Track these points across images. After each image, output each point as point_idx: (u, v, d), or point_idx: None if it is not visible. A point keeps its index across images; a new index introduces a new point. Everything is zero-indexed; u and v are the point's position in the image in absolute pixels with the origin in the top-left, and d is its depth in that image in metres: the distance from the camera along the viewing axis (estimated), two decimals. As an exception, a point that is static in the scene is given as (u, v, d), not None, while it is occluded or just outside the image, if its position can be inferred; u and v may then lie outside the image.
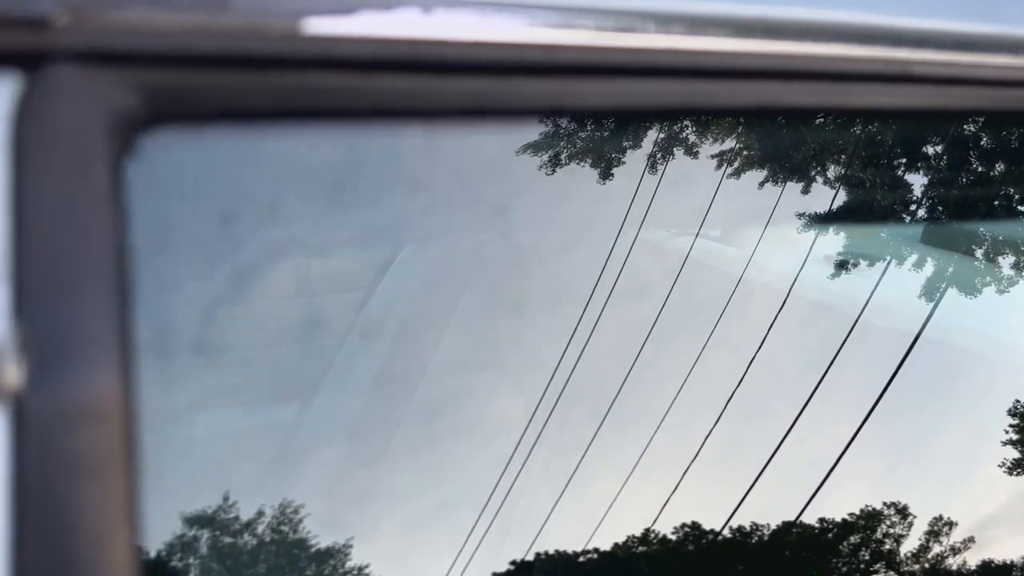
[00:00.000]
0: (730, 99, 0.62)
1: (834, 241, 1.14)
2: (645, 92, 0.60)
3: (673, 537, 0.98)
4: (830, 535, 1.04)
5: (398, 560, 1.05)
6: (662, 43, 0.58)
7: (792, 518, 1.02)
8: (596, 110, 0.61)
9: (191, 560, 1.07)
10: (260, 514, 1.09)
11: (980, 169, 1.13)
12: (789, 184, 1.07)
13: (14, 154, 0.42)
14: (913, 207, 1.17)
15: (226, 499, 1.10)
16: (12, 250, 0.41)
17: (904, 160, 1.12)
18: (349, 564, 1.04)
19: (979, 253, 1.22)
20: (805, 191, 1.09)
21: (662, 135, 0.97)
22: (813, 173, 1.07)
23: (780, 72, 0.63)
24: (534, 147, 0.91)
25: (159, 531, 1.06)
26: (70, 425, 0.41)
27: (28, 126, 0.43)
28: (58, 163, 0.42)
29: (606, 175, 0.99)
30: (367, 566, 1.02)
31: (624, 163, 0.99)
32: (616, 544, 0.98)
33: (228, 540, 1.08)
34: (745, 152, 1.03)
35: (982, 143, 1.12)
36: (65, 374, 0.41)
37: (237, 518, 1.09)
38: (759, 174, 1.05)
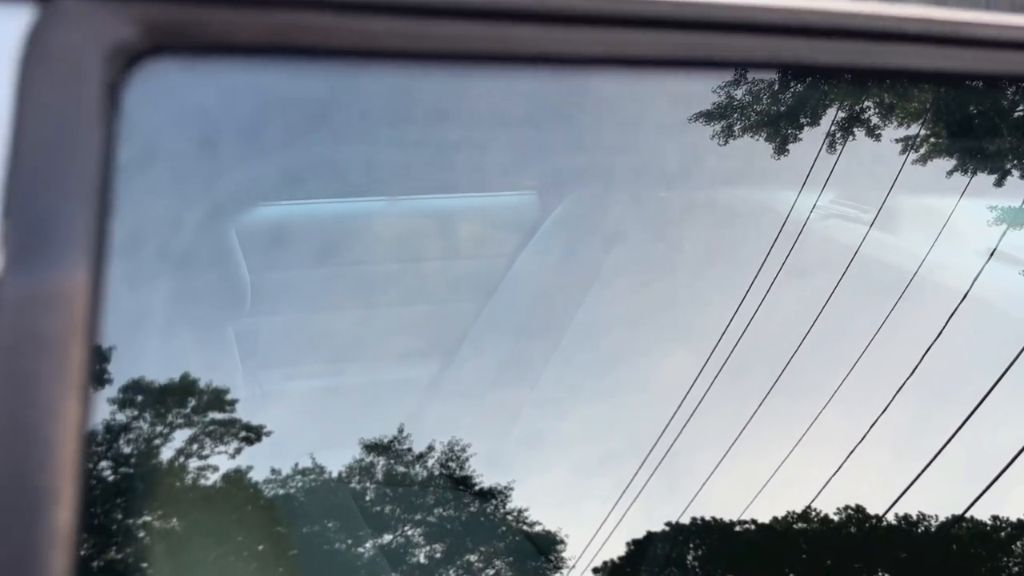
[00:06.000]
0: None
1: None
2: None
3: (835, 517, 0.97)
4: (1003, 534, 1.00)
5: (556, 505, 1.10)
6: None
7: (963, 512, 0.98)
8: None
9: (367, 485, 1.16)
10: (431, 448, 1.16)
11: None
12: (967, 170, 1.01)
13: (22, 74, 0.48)
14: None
15: (401, 431, 1.19)
16: (10, 157, 0.47)
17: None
18: (510, 505, 1.10)
19: None
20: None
21: (841, 111, 0.94)
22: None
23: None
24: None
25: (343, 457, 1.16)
26: (37, 307, 0.45)
27: (36, 52, 0.48)
28: (57, 84, 0.48)
29: (782, 149, 0.97)
30: (526, 509, 1.08)
31: (801, 138, 0.96)
32: (775, 517, 0.99)
33: (401, 469, 1.16)
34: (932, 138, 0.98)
35: None
36: (38, 264, 0.46)
37: (410, 450, 1.18)
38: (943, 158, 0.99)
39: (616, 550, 1.00)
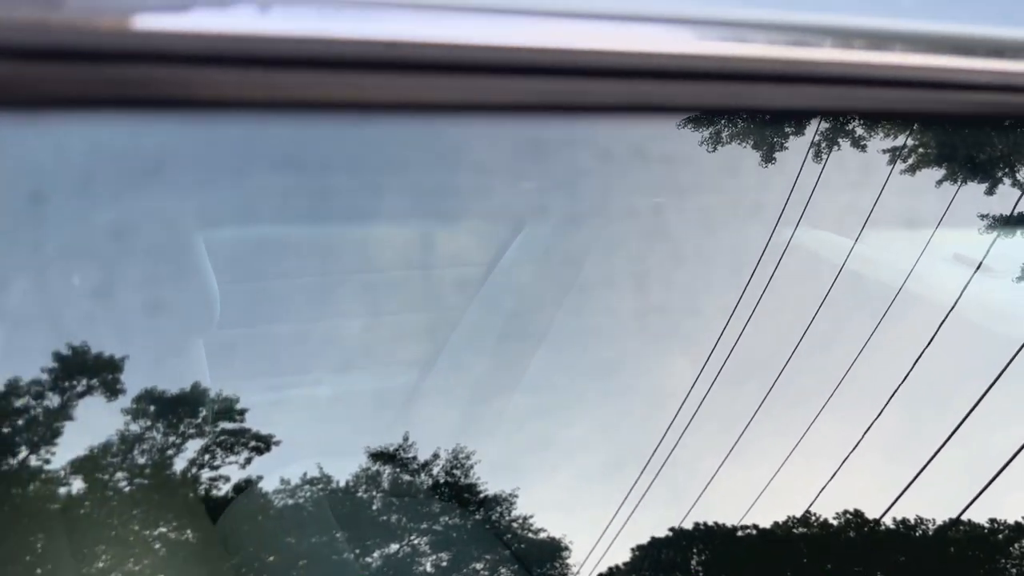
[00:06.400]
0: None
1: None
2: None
3: (835, 522, 0.99)
4: (1001, 536, 1.01)
5: (560, 512, 1.11)
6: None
7: (962, 515, 1.00)
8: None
9: (374, 493, 1.18)
10: (436, 457, 1.18)
11: None
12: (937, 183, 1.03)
13: None
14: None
15: (406, 439, 1.20)
16: None
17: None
18: (515, 512, 1.11)
19: None
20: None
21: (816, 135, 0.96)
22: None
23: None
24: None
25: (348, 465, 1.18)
26: None
27: None
28: None
29: (768, 159, 1.00)
30: (531, 516, 1.10)
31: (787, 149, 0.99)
32: (776, 522, 1.00)
33: (407, 478, 1.18)
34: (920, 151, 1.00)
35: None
36: None
37: (415, 458, 1.19)
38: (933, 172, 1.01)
39: (620, 556, 1.02)
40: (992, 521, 1.00)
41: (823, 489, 0.99)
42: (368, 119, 0.62)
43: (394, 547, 1.17)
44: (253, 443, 1.23)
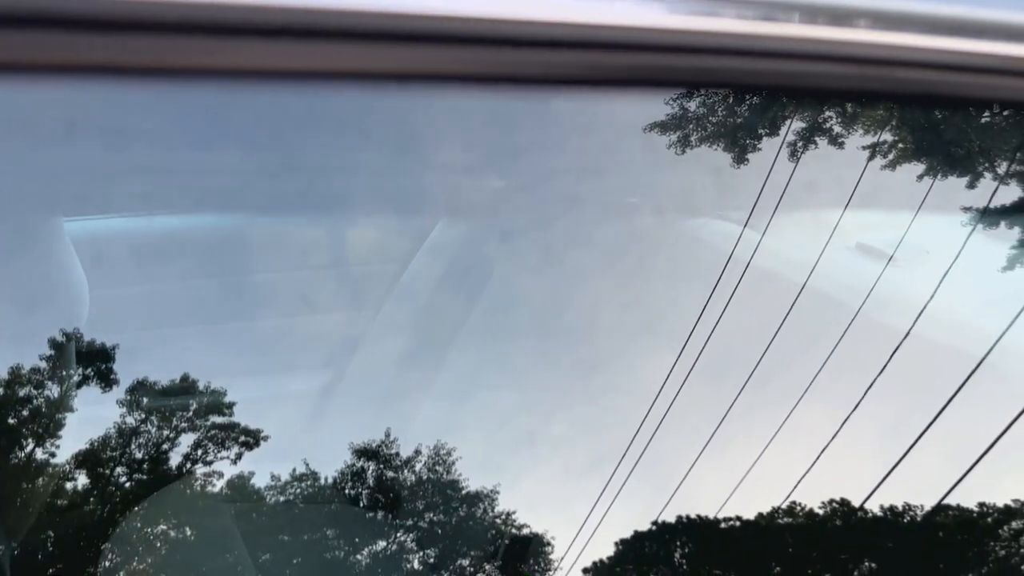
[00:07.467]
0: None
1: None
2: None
3: (820, 511, 0.97)
4: (990, 519, 1.00)
5: (540, 507, 1.10)
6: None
7: (948, 500, 0.98)
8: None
9: (361, 490, 1.17)
10: (417, 453, 1.17)
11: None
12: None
13: None
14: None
15: (388, 435, 1.19)
16: None
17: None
18: (497, 509, 1.10)
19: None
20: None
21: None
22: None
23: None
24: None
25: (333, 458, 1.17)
26: None
27: None
28: None
29: (741, 160, 0.97)
30: (513, 512, 1.08)
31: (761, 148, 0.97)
32: (760, 513, 0.99)
33: (391, 474, 1.17)
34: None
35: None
36: None
37: (397, 454, 1.18)
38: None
39: (603, 550, 1.01)
40: (981, 505, 0.99)
41: (801, 479, 0.97)
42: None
43: (381, 544, 1.17)
44: (242, 438, 1.22)
